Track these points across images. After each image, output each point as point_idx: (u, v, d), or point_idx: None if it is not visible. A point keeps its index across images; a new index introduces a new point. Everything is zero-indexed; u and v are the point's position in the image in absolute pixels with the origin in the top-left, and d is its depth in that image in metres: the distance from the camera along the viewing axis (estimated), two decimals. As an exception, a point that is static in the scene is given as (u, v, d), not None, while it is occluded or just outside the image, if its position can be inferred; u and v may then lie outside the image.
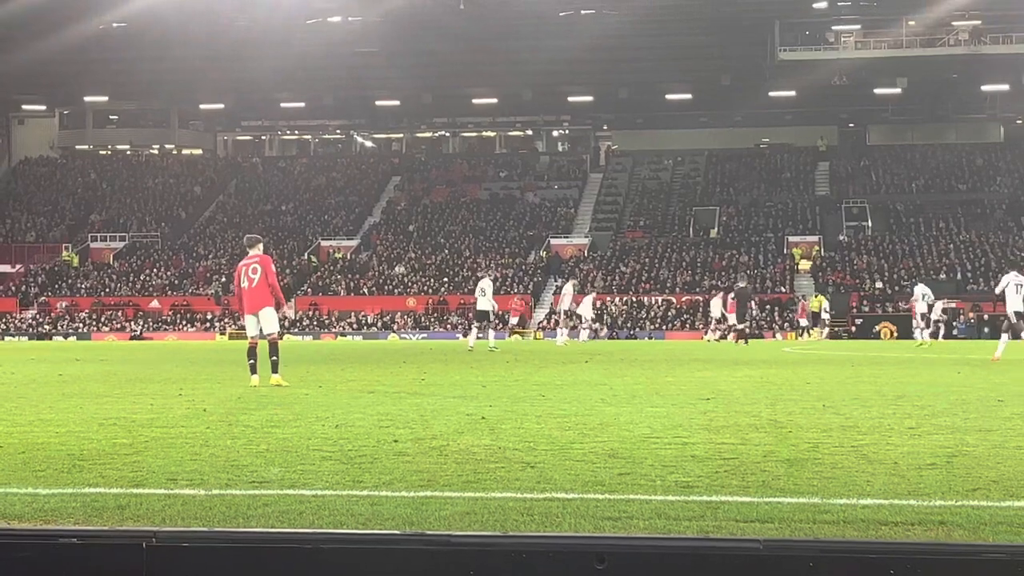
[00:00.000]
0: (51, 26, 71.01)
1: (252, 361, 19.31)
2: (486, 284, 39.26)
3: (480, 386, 19.51)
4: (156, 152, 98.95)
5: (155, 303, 76.02)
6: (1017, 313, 29.55)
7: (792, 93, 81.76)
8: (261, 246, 20.57)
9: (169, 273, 79.67)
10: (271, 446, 10.93)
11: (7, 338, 70.74)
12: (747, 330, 47.89)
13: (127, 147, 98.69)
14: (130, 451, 10.51)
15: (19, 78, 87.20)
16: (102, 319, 74.69)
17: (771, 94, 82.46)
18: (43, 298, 77.39)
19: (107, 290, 78.57)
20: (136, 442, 11.21)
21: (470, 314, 40.17)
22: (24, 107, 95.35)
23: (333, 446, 10.83)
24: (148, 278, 79.17)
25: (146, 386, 20.04)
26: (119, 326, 73.76)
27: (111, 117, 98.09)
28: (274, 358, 19.37)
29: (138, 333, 72.20)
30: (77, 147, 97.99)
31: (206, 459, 10.01)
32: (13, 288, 78.94)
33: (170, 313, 75.26)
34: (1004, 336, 29.89)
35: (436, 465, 9.59)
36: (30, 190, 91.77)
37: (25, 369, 27.01)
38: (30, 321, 74.52)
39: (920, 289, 49.16)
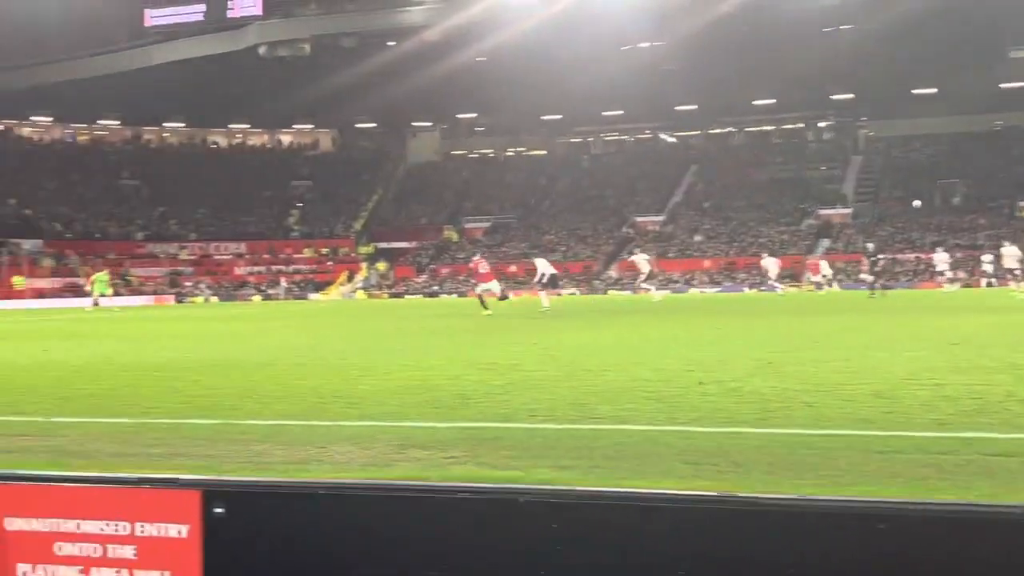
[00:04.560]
0: (429, 64, 73.39)
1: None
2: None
3: (765, 334, 18.94)
4: (511, 154, 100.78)
5: (513, 268, 77.51)
6: None
7: (1022, 84, 76.17)
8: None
9: (523, 245, 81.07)
10: (603, 387, 10.70)
11: (407, 296, 73.74)
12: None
13: (490, 151, 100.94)
14: (500, 391, 10.44)
15: (412, 103, 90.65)
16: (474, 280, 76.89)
17: (1001, 86, 77.04)
18: (432, 266, 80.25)
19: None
20: (505, 383, 11.13)
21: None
22: (415, 123, 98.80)
23: (651, 388, 10.56)
24: (507, 250, 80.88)
25: (508, 335, 20.30)
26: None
27: (477, 128, 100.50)
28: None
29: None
30: (454, 152, 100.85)
31: (556, 398, 9.83)
32: (411, 259, 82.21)
33: (524, 275, 76.58)
34: None
35: (734, 404, 9.24)
36: (421, 186, 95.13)
37: (424, 323, 27.91)
38: (422, 283, 77.40)
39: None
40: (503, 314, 30.17)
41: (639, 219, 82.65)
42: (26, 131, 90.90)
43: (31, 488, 3.04)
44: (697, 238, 77.11)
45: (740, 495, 2.89)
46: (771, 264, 55.14)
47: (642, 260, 46.23)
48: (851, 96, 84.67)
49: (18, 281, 62.84)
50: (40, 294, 62.42)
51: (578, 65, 71.16)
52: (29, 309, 53.90)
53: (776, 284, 54.19)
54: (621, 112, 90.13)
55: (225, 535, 2.92)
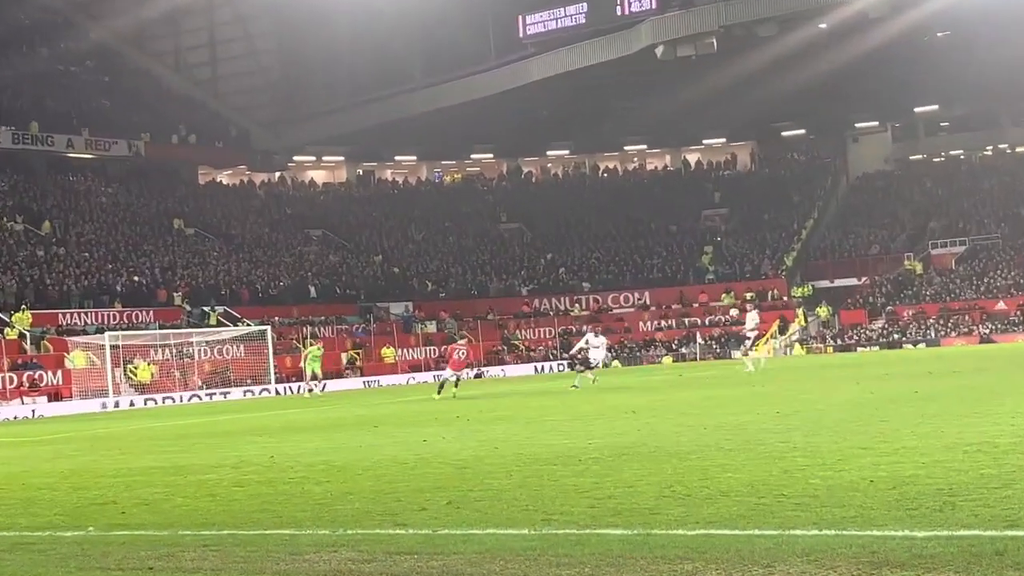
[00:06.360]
0: (872, 46, 72.15)
1: None
2: None
3: None
4: (989, 153, 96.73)
5: (1001, 304, 74.11)
6: None
7: None
8: None
9: (1014, 273, 77.37)
10: None
11: (859, 348, 72.36)
12: None
13: (960, 152, 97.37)
14: (999, 484, 9.99)
15: (852, 98, 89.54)
16: (949, 324, 74.13)
17: None
18: (890, 307, 78.26)
19: (951, 295, 77.82)
20: (1003, 472, 10.67)
21: None
22: (857, 125, 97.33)
23: None
24: (992, 280, 77.44)
25: (1004, 402, 19.36)
26: (966, 330, 72.78)
27: (941, 124, 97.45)
28: None
29: (987, 336, 70.82)
30: (911, 157, 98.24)
31: None
32: (860, 300, 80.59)
33: (1017, 313, 73.01)
34: None
35: None
36: (869, 205, 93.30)
37: (882, 386, 27.21)
38: (879, 331, 75.63)
39: None
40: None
41: None
42: (388, 174, 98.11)
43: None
44: None
45: None
46: None
47: None
48: None
49: (387, 353, 67.62)
50: (413, 367, 66.75)
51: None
52: (396, 387, 57.82)
53: None
54: None
55: None
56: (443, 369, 49.54)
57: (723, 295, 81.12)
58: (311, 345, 54.56)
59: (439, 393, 37.41)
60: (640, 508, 10.04)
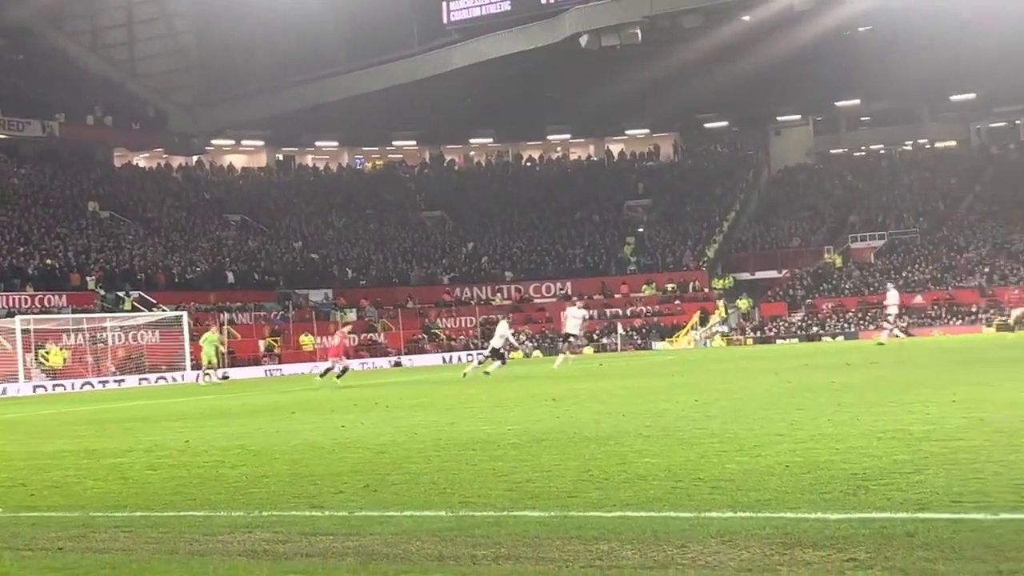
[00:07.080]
0: (795, 40, 72.94)
1: None
2: None
3: None
4: (909, 148, 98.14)
5: (918, 299, 75.19)
6: None
7: None
8: None
9: (931, 268, 78.57)
10: (1056, 463, 10.09)
11: (779, 341, 73.13)
12: None
13: (880, 147, 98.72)
14: (911, 469, 10.18)
15: (774, 92, 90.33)
16: (867, 317, 75.10)
17: None
18: (809, 300, 79.20)
19: (870, 288, 78.83)
20: (916, 458, 10.85)
21: None
22: (779, 118, 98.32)
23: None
24: (910, 274, 78.56)
25: (919, 392, 19.66)
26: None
27: (862, 119, 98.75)
28: None
29: (904, 329, 71.74)
30: (832, 151, 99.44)
31: (989, 477, 9.44)
32: (780, 292, 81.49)
33: (933, 308, 74.16)
34: None
35: None
36: (790, 198, 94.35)
37: (799, 376, 27.53)
38: (798, 323, 76.53)
39: None
40: (903, 362, 29.18)
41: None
42: (309, 159, 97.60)
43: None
44: None
45: None
46: (893, 298, 54.21)
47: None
48: None
49: (306, 341, 67.28)
50: (331, 355, 66.40)
51: (996, 26, 68.52)
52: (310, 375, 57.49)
53: (889, 327, 54.72)
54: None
55: None
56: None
57: (644, 286, 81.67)
58: (209, 331, 53.75)
59: (322, 376, 39.72)
60: (558, 492, 10.11)
